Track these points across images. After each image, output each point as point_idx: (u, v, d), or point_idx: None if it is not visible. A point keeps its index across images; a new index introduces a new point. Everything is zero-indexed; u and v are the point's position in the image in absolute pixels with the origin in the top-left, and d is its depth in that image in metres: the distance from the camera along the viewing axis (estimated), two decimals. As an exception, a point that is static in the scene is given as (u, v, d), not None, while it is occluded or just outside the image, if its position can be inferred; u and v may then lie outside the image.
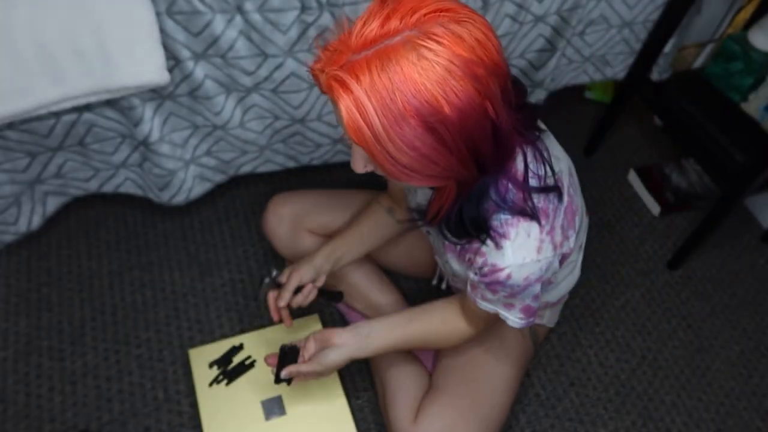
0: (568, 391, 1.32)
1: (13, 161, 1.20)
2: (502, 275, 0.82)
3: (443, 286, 1.28)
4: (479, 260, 0.85)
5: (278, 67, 1.16)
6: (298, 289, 1.10)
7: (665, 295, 1.48)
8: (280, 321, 1.13)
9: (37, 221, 1.32)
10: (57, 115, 1.13)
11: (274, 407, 1.21)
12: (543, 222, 0.82)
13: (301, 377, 1.03)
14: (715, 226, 1.39)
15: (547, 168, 0.83)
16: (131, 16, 1.00)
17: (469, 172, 0.73)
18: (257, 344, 1.29)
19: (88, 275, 1.42)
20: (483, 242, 0.83)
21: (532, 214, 0.81)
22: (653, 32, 1.42)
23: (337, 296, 1.22)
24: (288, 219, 1.24)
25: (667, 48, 1.43)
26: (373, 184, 1.26)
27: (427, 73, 0.63)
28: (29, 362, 1.29)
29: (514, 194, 0.80)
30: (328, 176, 1.65)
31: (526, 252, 0.81)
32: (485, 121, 0.68)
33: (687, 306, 1.47)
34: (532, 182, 0.82)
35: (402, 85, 0.63)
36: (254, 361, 1.27)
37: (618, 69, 1.54)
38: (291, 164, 1.45)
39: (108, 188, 1.37)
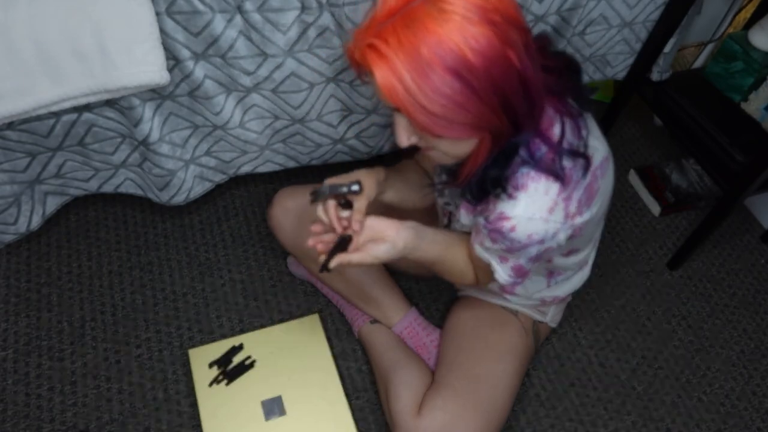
0: (568, 391, 1.32)
1: (13, 161, 1.20)
2: (507, 225, 0.84)
3: None
4: (491, 206, 0.87)
5: (278, 67, 1.16)
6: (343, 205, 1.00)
7: (665, 295, 1.48)
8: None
9: (37, 221, 1.32)
10: (57, 115, 1.13)
11: (274, 407, 1.21)
12: (564, 187, 0.83)
13: (349, 266, 0.98)
14: (715, 226, 1.39)
15: (581, 143, 0.85)
16: (131, 16, 0.99)
17: (502, 123, 0.76)
18: (257, 344, 1.29)
19: (88, 275, 1.42)
20: (498, 195, 0.85)
21: (557, 175, 0.82)
22: (653, 32, 1.42)
23: (355, 189, 0.96)
24: (293, 213, 1.23)
25: (667, 48, 1.43)
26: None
27: (448, 23, 0.69)
28: (29, 362, 1.29)
29: (543, 154, 0.82)
30: (328, 176, 1.64)
31: (538, 208, 0.83)
32: (510, 68, 0.73)
33: (687, 306, 1.47)
34: (565, 146, 0.84)
35: (426, 38, 0.69)
36: (254, 361, 1.27)
37: (618, 69, 1.54)
38: (291, 164, 1.45)
39: (108, 188, 1.37)
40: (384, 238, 0.95)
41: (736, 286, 1.51)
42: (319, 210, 0.99)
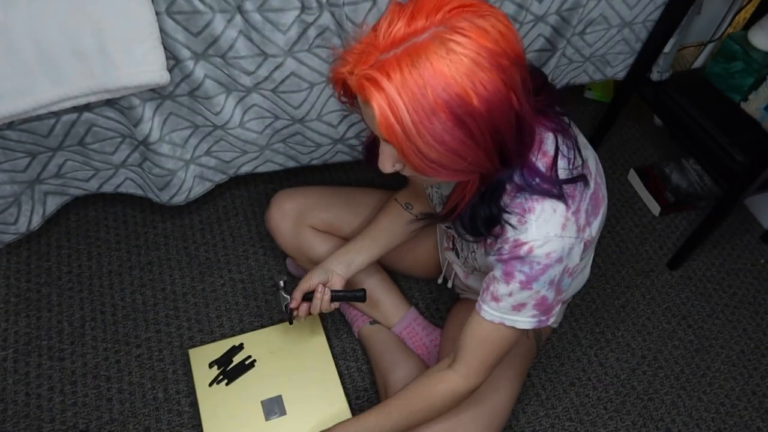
0: (568, 391, 1.32)
1: (13, 161, 1.20)
2: (524, 249, 0.81)
3: (449, 284, 1.27)
4: (500, 240, 0.84)
5: (278, 66, 1.16)
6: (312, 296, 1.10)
7: (665, 295, 1.48)
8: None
9: (37, 221, 1.32)
10: (57, 114, 1.13)
11: (274, 407, 1.21)
12: (570, 203, 0.82)
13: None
14: (715, 226, 1.39)
15: (577, 153, 0.84)
16: (131, 16, 0.99)
17: (492, 165, 0.74)
18: (257, 344, 1.29)
19: (88, 275, 1.42)
20: (502, 225, 0.83)
21: (560, 195, 0.81)
22: (653, 32, 1.42)
23: (359, 295, 1.14)
24: (291, 215, 1.24)
25: (667, 48, 1.43)
26: (375, 183, 1.26)
27: (456, 65, 0.65)
28: (29, 362, 1.29)
29: (538, 182, 0.81)
30: (328, 176, 1.65)
31: (551, 227, 0.80)
32: (510, 111, 0.70)
33: (687, 306, 1.47)
34: (561, 164, 0.82)
35: (432, 79, 0.65)
36: (254, 360, 1.27)
37: (618, 69, 1.54)
38: (291, 164, 1.44)
39: (108, 188, 1.37)
40: None
41: (736, 286, 1.51)
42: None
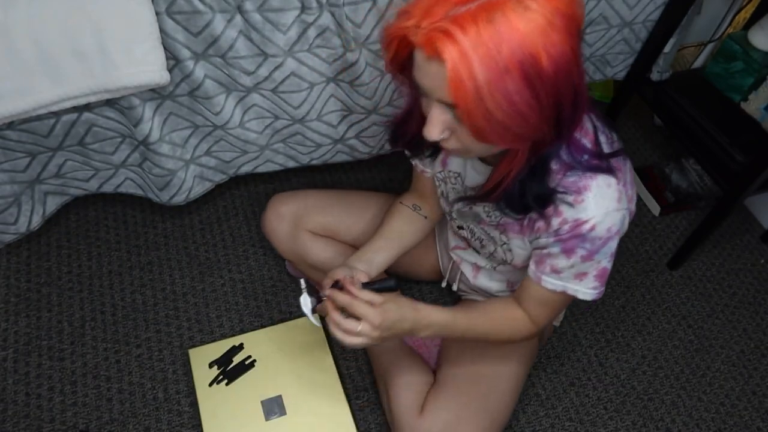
0: (568, 391, 1.32)
1: (13, 161, 1.20)
2: (586, 227, 0.81)
3: (454, 287, 1.27)
4: (555, 221, 0.84)
5: (278, 66, 1.16)
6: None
7: (665, 295, 1.48)
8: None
9: (37, 221, 1.32)
10: (57, 114, 1.13)
11: (274, 407, 1.21)
12: (619, 175, 0.83)
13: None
14: (715, 226, 1.39)
15: (613, 132, 0.86)
16: (131, 16, 0.99)
17: (548, 133, 0.74)
18: (257, 344, 1.29)
19: (88, 275, 1.42)
20: (556, 204, 0.82)
21: (609, 169, 0.82)
22: (653, 32, 1.42)
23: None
24: (288, 219, 1.23)
25: (667, 48, 1.43)
26: (374, 184, 1.26)
27: (532, 24, 0.65)
28: (29, 362, 1.29)
29: (588, 158, 0.82)
30: (328, 176, 1.65)
31: (608, 202, 0.81)
32: (571, 78, 0.70)
33: (687, 306, 1.47)
34: (602, 139, 0.84)
35: (508, 35, 0.64)
36: (254, 360, 1.27)
37: (618, 69, 1.54)
38: (291, 164, 1.44)
39: (108, 188, 1.37)
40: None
41: (736, 286, 1.51)
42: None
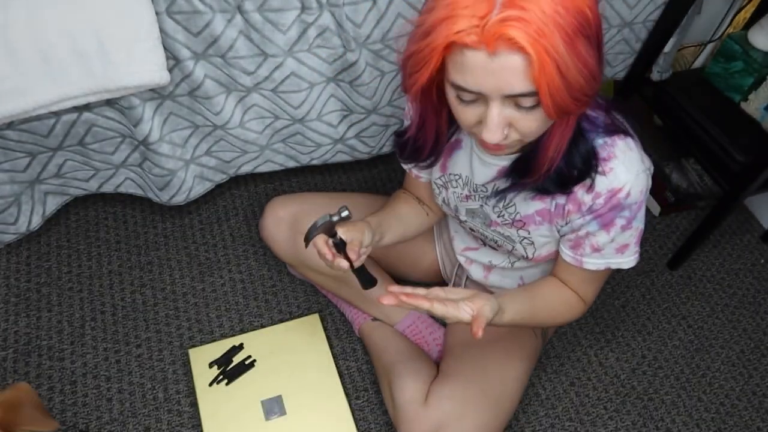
0: (568, 391, 1.32)
1: (13, 161, 1.20)
2: (622, 195, 0.82)
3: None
4: (587, 198, 0.84)
5: (278, 66, 1.16)
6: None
7: (665, 295, 1.48)
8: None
9: (37, 221, 1.32)
10: (57, 114, 1.13)
11: (274, 407, 1.21)
12: (634, 135, 0.84)
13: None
14: (715, 226, 1.39)
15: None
16: (131, 16, 1.00)
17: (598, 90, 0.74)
18: (257, 344, 1.29)
19: (88, 275, 1.42)
20: (591, 176, 0.82)
21: (625, 130, 0.83)
22: (653, 32, 1.42)
23: (372, 281, 1.02)
24: (286, 222, 1.22)
25: (667, 48, 1.43)
26: (374, 184, 1.26)
27: None
28: (29, 362, 1.29)
29: (603, 119, 0.82)
30: (328, 176, 1.65)
31: (635, 164, 0.82)
32: (600, 20, 0.70)
33: (687, 306, 1.47)
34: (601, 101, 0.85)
35: (560, 0, 0.63)
36: (254, 360, 1.27)
37: (618, 68, 1.54)
38: (291, 164, 1.45)
39: (108, 188, 1.37)
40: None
41: (736, 286, 1.51)
42: (312, 247, 0.94)
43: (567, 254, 0.94)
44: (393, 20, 1.15)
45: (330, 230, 0.90)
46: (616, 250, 0.90)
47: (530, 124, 0.73)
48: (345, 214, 0.89)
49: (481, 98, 0.72)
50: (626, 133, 0.84)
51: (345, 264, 0.92)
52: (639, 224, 0.88)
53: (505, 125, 0.73)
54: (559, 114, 0.70)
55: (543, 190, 0.86)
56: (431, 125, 0.88)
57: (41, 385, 1.26)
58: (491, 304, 0.84)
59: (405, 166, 1.09)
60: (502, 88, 0.68)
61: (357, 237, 0.93)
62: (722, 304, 1.48)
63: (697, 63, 1.58)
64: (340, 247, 0.91)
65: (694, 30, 1.53)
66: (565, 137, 0.79)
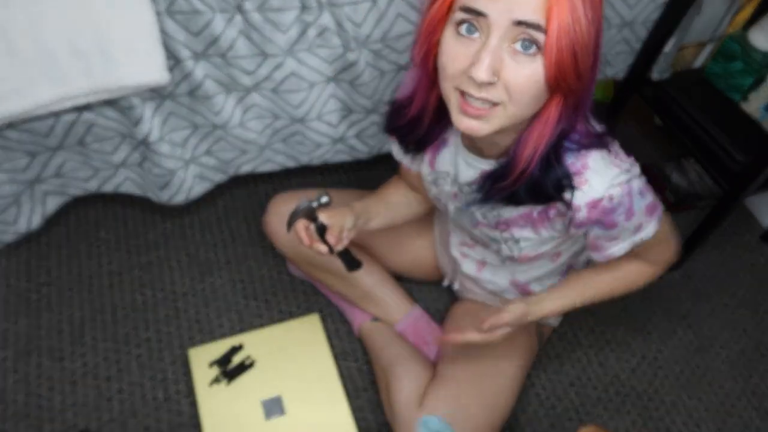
0: (568, 391, 1.32)
1: (12, 161, 1.20)
2: (605, 202, 0.82)
3: (455, 286, 1.27)
4: (571, 212, 0.84)
5: (278, 66, 1.16)
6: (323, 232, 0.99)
7: (665, 295, 1.48)
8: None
9: (37, 221, 1.32)
10: (57, 114, 1.13)
11: (274, 407, 1.21)
12: (607, 141, 0.83)
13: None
14: (715, 226, 1.39)
15: (601, 122, 0.88)
16: (131, 16, 1.00)
17: (587, 89, 0.76)
18: (257, 344, 1.29)
19: (88, 275, 1.42)
20: (569, 191, 0.82)
21: (599, 139, 0.82)
22: (653, 32, 1.42)
23: (356, 264, 1.08)
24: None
25: (667, 48, 1.43)
26: (374, 184, 1.26)
27: None
28: (29, 362, 1.29)
29: (577, 136, 0.81)
30: (328, 176, 1.65)
31: (609, 171, 0.81)
32: (600, 28, 0.74)
33: (687, 306, 1.47)
34: (593, 122, 0.84)
35: None
36: (254, 361, 1.27)
37: (618, 68, 1.54)
38: (291, 164, 1.45)
39: (108, 188, 1.37)
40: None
41: (736, 286, 1.51)
42: (293, 232, 0.98)
43: (594, 256, 0.95)
44: (393, 20, 1.15)
45: (310, 215, 0.94)
46: (632, 232, 0.89)
47: (521, 75, 0.70)
48: (324, 200, 0.93)
49: (482, 30, 0.70)
50: (600, 146, 0.82)
51: (324, 248, 0.95)
52: (640, 206, 0.86)
53: (496, 67, 0.70)
54: (554, 73, 0.69)
55: (516, 200, 0.85)
56: (419, 100, 0.88)
57: (41, 385, 1.26)
58: (511, 309, 0.96)
59: (394, 151, 1.09)
60: (512, 9, 0.67)
61: (338, 222, 0.97)
62: (722, 304, 1.48)
63: (697, 63, 1.58)
64: (321, 231, 0.94)
65: (694, 30, 1.53)
66: (543, 138, 0.78)
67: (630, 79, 1.54)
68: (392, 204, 1.15)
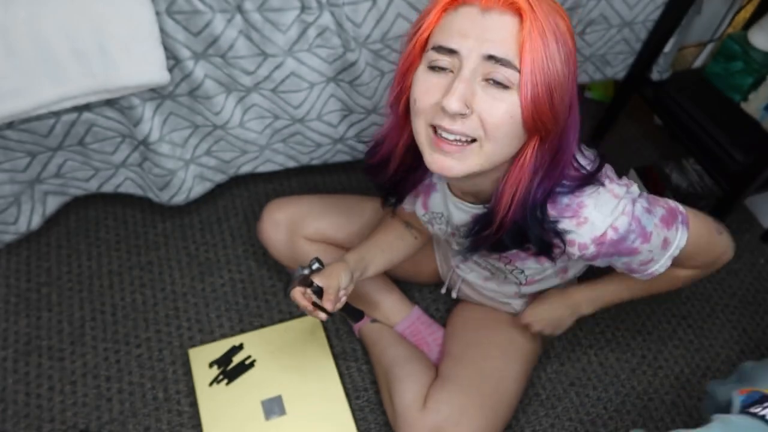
0: (568, 391, 1.32)
1: (13, 161, 1.20)
2: (610, 236, 0.79)
3: (453, 294, 1.26)
4: (574, 250, 0.81)
5: (278, 66, 1.16)
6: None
7: (665, 295, 1.48)
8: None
9: (37, 221, 1.32)
10: (57, 114, 1.13)
11: (274, 407, 1.21)
12: (600, 177, 0.81)
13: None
14: (715, 226, 1.39)
15: (592, 149, 0.86)
16: (131, 16, 1.00)
17: (560, 136, 0.74)
18: (257, 344, 1.29)
19: (88, 275, 1.42)
20: (566, 234, 0.80)
21: (590, 176, 0.80)
22: (653, 32, 1.42)
23: (358, 315, 1.15)
24: (284, 226, 1.22)
25: (667, 48, 1.43)
26: (372, 186, 1.26)
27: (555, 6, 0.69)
28: (29, 362, 1.29)
29: (568, 182, 0.79)
30: (327, 176, 1.65)
31: (608, 203, 0.79)
32: (575, 83, 0.73)
33: (687, 306, 1.47)
34: (583, 162, 0.82)
35: (554, 6, 0.69)
36: (254, 360, 1.27)
37: (618, 69, 1.54)
38: (291, 164, 1.45)
39: (108, 188, 1.37)
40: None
41: (736, 286, 1.51)
42: (293, 297, 1.00)
43: (639, 278, 0.92)
44: (393, 20, 1.15)
45: (305, 282, 0.97)
46: (660, 247, 0.85)
47: (497, 109, 0.68)
48: (315, 266, 0.99)
49: (454, 65, 0.70)
50: (591, 183, 0.80)
51: (323, 316, 0.99)
52: (653, 223, 0.82)
53: (468, 97, 0.68)
54: (531, 109, 0.68)
55: (502, 248, 0.83)
56: (389, 143, 0.86)
57: (41, 385, 1.26)
58: (542, 324, 1.10)
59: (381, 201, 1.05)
60: (483, 44, 0.67)
61: (333, 284, 0.98)
62: (722, 304, 1.48)
63: (697, 63, 1.58)
64: (319, 294, 0.97)
65: (694, 30, 1.53)
66: (521, 182, 0.75)
67: (630, 79, 1.54)
68: (388, 246, 1.13)
